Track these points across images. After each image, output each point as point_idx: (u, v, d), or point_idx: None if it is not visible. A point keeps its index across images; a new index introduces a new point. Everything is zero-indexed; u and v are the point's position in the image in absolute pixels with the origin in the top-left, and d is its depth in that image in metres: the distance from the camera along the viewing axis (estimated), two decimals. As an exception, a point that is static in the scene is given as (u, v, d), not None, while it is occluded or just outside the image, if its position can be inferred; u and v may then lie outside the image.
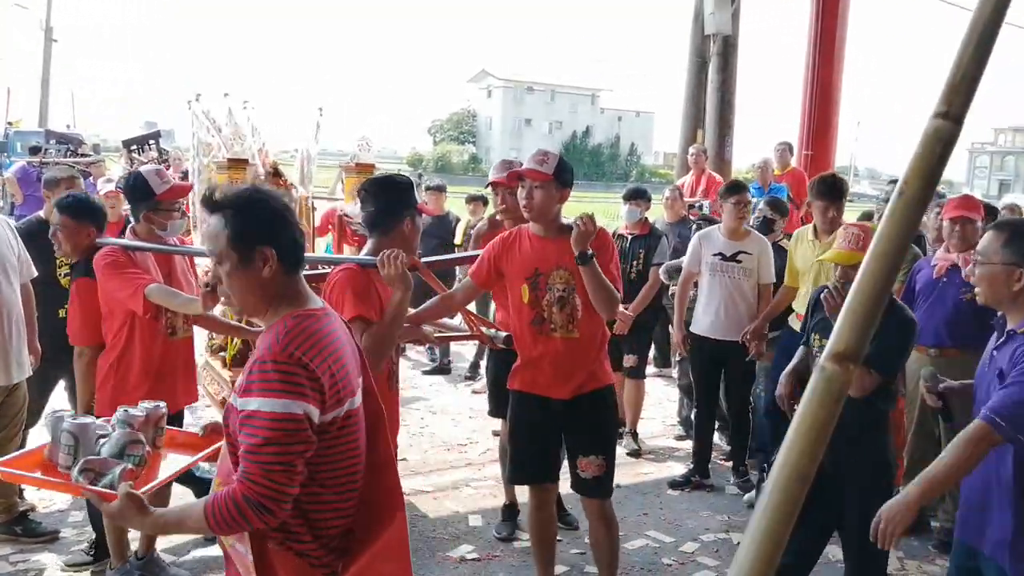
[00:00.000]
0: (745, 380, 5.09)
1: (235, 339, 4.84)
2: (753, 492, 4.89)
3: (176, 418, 3.54)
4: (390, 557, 2.02)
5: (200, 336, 4.43)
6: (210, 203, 1.92)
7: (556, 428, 3.40)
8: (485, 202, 7.46)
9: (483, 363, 7.12)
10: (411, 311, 3.21)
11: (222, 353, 5.09)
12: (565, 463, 3.56)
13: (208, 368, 5.21)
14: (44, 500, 4.53)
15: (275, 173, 5.16)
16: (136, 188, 3.53)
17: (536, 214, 3.31)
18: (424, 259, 3.26)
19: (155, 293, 3.33)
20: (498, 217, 4.37)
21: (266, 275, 1.90)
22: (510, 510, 4.41)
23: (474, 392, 7.00)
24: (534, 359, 3.36)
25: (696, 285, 5.22)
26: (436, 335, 3.85)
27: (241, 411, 1.81)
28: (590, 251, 3.16)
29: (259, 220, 1.91)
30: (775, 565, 0.77)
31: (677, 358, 5.80)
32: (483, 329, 3.69)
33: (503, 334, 3.59)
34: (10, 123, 24.85)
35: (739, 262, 4.95)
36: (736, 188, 5.18)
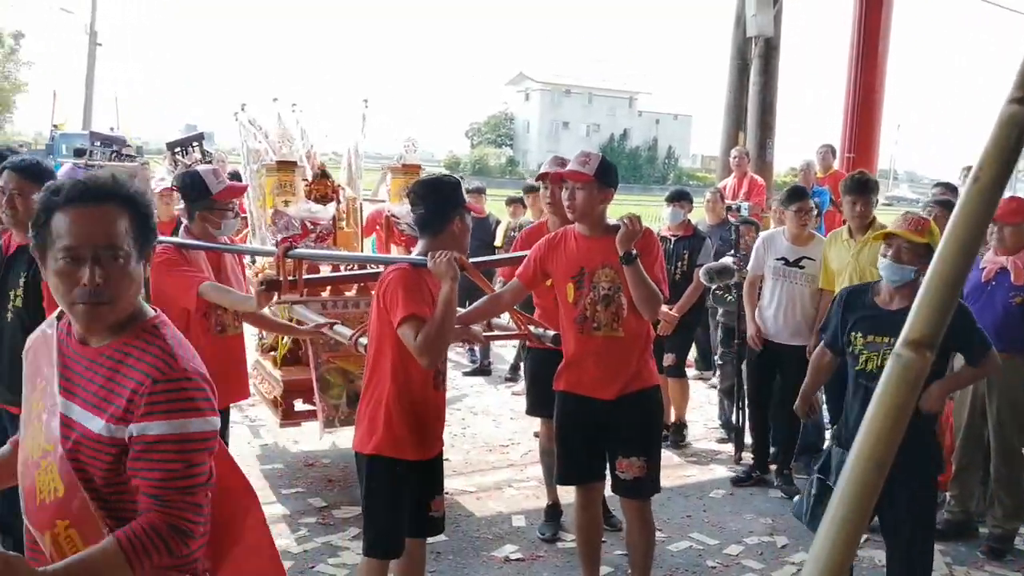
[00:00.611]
0: (799, 383, 5.03)
1: (286, 338, 4.90)
2: (797, 497, 4.84)
3: (222, 415, 3.58)
4: (256, 553, 1.94)
5: (250, 335, 4.48)
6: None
7: (600, 428, 3.40)
8: (524, 204, 7.50)
9: (523, 364, 7.17)
10: (460, 311, 3.24)
11: (272, 352, 5.16)
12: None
13: (259, 367, 5.29)
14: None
15: (323, 175, 5.17)
16: (192, 187, 3.57)
17: (579, 214, 3.34)
18: (472, 260, 3.26)
19: (209, 291, 3.39)
20: (545, 209, 4.35)
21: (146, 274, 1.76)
22: (553, 510, 4.42)
23: (514, 394, 7.03)
24: (578, 358, 3.37)
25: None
26: (485, 335, 3.87)
27: (136, 437, 1.60)
28: (634, 251, 3.18)
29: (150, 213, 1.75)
30: (854, 552, 0.78)
31: (719, 361, 5.80)
32: (531, 328, 3.70)
33: (551, 333, 3.58)
34: (55, 126, 25.40)
35: (802, 267, 4.95)
36: (797, 195, 5.17)
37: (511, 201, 7.93)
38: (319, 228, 4.75)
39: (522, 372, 7.09)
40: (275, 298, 3.47)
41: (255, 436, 5.72)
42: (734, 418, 5.65)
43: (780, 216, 6.60)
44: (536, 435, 5.29)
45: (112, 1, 68.96)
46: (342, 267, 4.63)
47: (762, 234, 5.37)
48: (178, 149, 12.13)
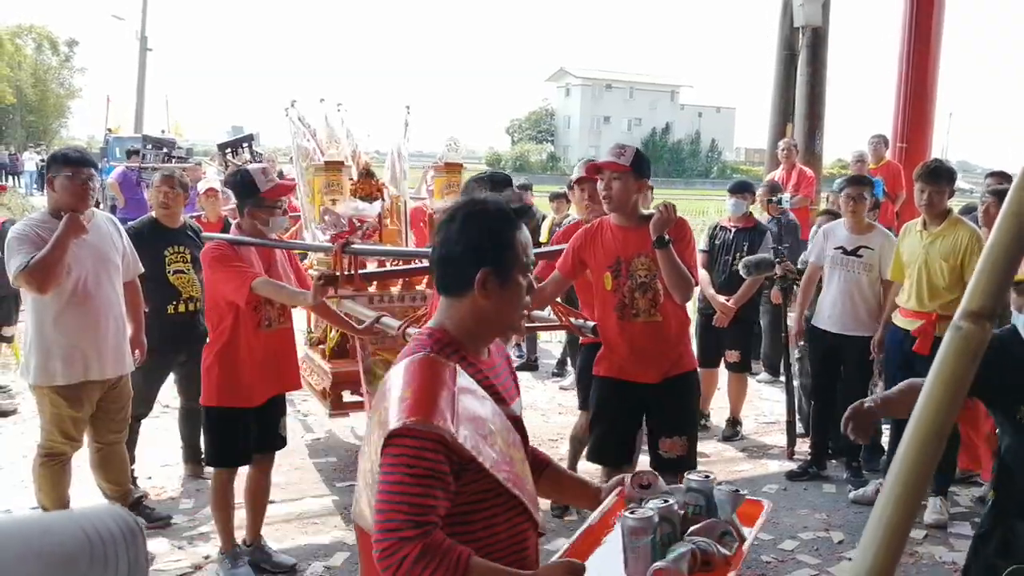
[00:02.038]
0: (862, 375, 4.97)
1: (333, 331, 5.03)
2: (861, 490, 4.78)
3: (275, 404, 3.79)
4: None
5: (299, 331, 4.58)
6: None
7: (639, 412, 3.54)
8: (568, 199, 7.49)
9: (569, 359, 7.18)
10: None
11: (321, 346, 5.29)
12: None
13: (308, 360, 5.40)
14: (156, 488, 4.76)
15: (367, 174, 5.31)
16: (242, 184, 3.67)
17: (615, 204, 3.42)
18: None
19: (262, 286, 3.49)
20: (585, 207, 4.43)
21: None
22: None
23: (562, 388, 7.04)
24: (619, 345, 3.48)
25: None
26: (527, 326, 3.92)
27: None
28: (667, 236, 3.29)
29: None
30: (914, 517, 0.79)
31: (797, 355, 5.74)
32: (572, 320, 3.80)
33: (591, 323, 3.65)
34: (109, 130, 25.99)
35: (859, 256, 4.87)
36: (850, 181, 5.09)
37: (554, 197, 7.94)
38: (365, 225, 4.86)
39: (570, 367, 7.13)
40: (332, 292, 3.54)
41: (307, 430, 5.82)
42: (786, 412, 5.59)
43: (836, 203, 6.52)
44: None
45: (161, 6, 70.31)
46: (388, 263, 4.73)
47: (823, 225, 5.32)
48: (229, 150, 12.35)
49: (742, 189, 5.95)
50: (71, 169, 3.77)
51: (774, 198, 8.06)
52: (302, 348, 5.40)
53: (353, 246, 3.76)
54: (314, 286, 3.42)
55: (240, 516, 3.87)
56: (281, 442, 3.89)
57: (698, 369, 3.75)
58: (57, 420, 3.90)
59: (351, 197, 5.10)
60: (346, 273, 3.58)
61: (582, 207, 4.45)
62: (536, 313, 4.02)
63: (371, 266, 4.72)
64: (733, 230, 5.79)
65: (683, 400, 3.52)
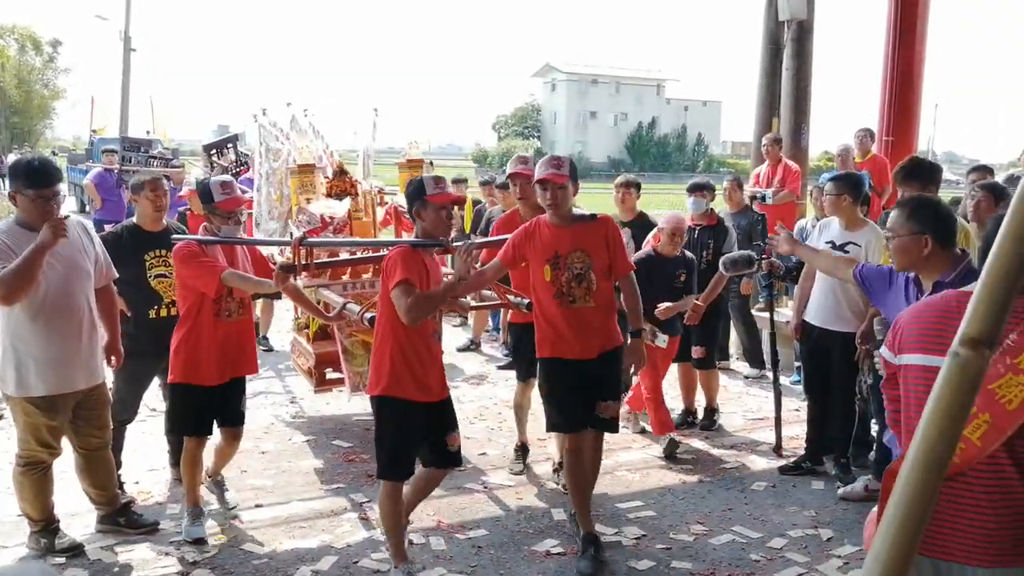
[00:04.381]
0: (850, 370, 4.96)
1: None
2: (850, 487, 4.79)
3: (236, 384, 4.27)
4: None
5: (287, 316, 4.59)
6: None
7: (582, 384, 4.00)
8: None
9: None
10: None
11: (306, 330, 5.87)
12: None
13: (296, 343, 6.11)
14: (143, 493, 4.72)
15: (341, 172, 5.82)
16: (203, 193, 4.25)
17: (561, 210, 3.97)
18: (470, 241, 3.97)
19: (229, 278, 3.97)
20: (518, 203, 5.00)
21: None
22: (523, 449, 5.21)
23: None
24: (560, 328, 3.97)
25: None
26: (473, 305, 4.99)
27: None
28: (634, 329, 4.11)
29: None
30: (914, 552, 0.77)
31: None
32: (510, 298, 4.62)
33: (526, 300, 4.29)
34: (94, 131, 25.82)
35: (846, 252, 4.84)
36: (833, 179, 5.14)
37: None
38: (335, 221, 5.42)
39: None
40: (290, 280, 4.09)
41: (294, 433, 5.78)
42: (775, 408, 5.59)
43: (818, 200, 6.55)
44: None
45: (145, 7, 69.75)
46: (359, 252, 5.13)
47: (819, 220, 5.34)
48: (214, 151, 12.25)
49: (699, 188, 6.11)
50: (35, 192, 3.66)
51: (759, 194, 8.09)
52: (290, 333, 6.31)
53: (307, 240, 4.26)
54: (275, 274, 3.95)
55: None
56: (240, 418, 4.39)
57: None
58: (32, 429, 3.85)
59: (324, 196, 5.69)
60: (302, 263, 4.14)
61: (516, 200, 5.01)
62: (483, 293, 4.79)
63: (348, 255, 5.26)
64: (697, 229, 5.96)
65: (615, 370, 4.09)
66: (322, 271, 4.83)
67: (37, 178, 3.69)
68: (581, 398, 4.01)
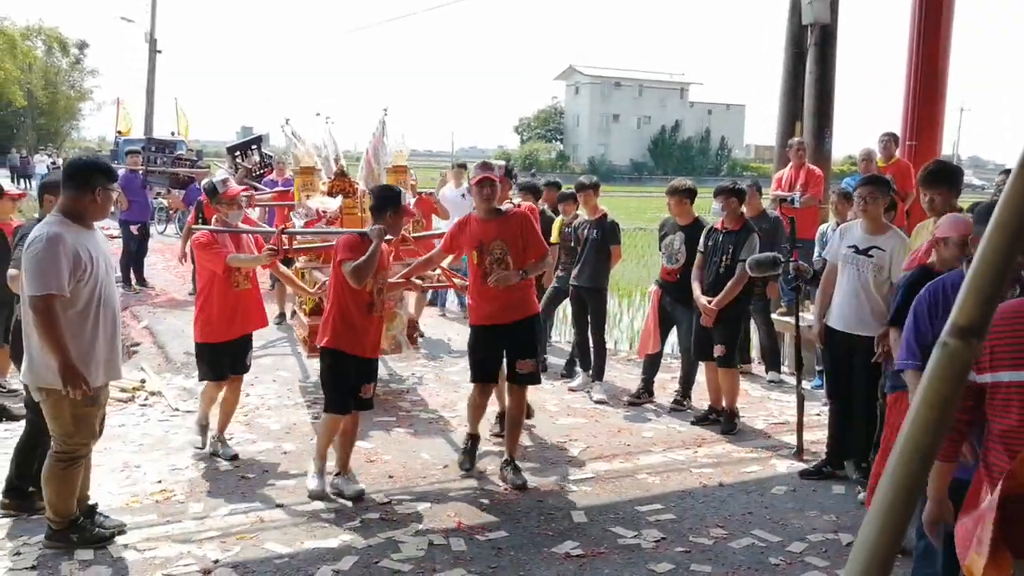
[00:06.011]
0: (871, 374, 4.92)
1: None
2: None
3: (244, 341, 5.32)
4: None
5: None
6: None
7: (501, 345, 5.02)
8: (575, 201, 7.51)
9: (579, 360, 7.18)
10: (404, 269, 5.43)
11: (304, 306, 6.70)
12: None
13: (296, 317, 7.33)
14: (165, 492, 4.76)
15: (341, 174, 6.62)
16: (210, 191, 5.40)
17: (489, 206, 4.97)
18: (415, 235, 5.71)
19: (232, 259, 5.09)
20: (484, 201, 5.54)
21: None
22: (473, 440, 5.34)
23: (571, 390, 7.04)
24: (485, 300, 4.97)
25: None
26: (424, 285, 6.36)
27: None
28: (520, 272, 4.91)
29: None
30: (900, 541, 0.78)
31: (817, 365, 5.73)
32: (455, 281, 6.25)
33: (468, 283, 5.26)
34: (120, 132, 26.11)
35: (870, 256, 4.81)
36: (862, 181, 5.08)
37: (563, 199, 7.90)
38: (328, 214, 6.45)
39: (579, 367, 7.18)
40: (277, 259, 5.40)
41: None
42: (797, 413, 5.57)
43: (837, 205, 6.52)
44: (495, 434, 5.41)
45: (171, 8, 70.59)
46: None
47: (841, 224, 5.31)
48: (238, 152, 12.34)
49: (719, 192, 6.14)
50: (112, 186, 4.03)
51: (788, 198, 8.06)
52: (291, 307, 8.05)
53: (288, 229, 5.77)
54: (264, 254, 5.24)
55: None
56: (245, 368, 5.41)
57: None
58: (81, 421, 3.94)
59: (320, 194, 6.78)
60: (285, 248, 5.49)
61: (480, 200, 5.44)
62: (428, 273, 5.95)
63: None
64: (722, 233, 6.01)
65: (529, 335, 5.02)
66: (315, 255, 6.23)
67: (112, 174, 4.08)
68: (499, 356, 5.06)
